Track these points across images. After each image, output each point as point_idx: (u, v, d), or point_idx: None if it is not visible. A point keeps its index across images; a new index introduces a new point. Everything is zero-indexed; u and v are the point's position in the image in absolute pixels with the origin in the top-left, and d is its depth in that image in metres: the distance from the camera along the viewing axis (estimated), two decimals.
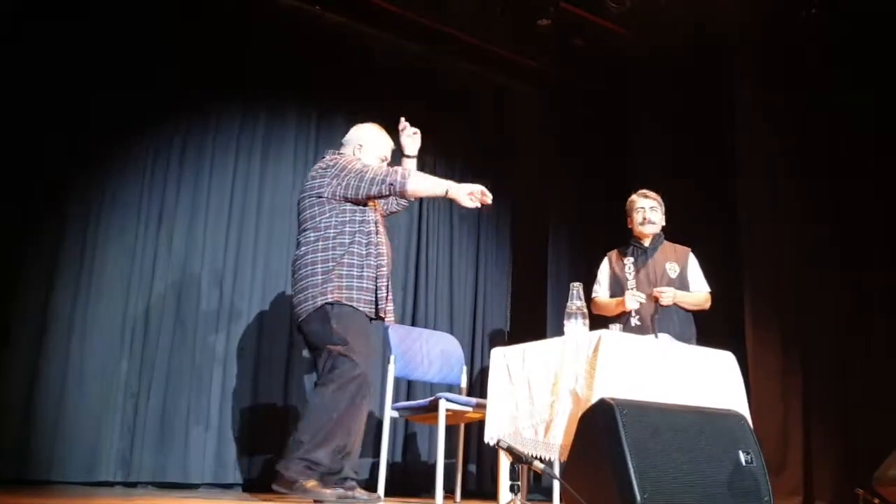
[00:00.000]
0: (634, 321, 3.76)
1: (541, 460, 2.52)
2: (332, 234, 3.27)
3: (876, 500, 3.11)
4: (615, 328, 2.90)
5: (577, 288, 3.07)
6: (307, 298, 3.24)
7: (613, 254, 4.07)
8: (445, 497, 3.52)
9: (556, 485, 3.43)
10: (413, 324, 5.18)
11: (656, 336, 3.62)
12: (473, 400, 3.62)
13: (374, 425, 4.87)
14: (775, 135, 4.63)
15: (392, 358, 3.85)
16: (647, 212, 3.94)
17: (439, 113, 5.69)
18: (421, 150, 5.53)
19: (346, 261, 3.25)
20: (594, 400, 2.58)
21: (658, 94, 5.37)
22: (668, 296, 3.73)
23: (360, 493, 3.21)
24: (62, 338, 4.05)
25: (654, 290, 3.76)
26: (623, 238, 4.67)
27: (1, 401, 3.84)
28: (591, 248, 5.66)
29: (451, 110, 5.76)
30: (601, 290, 4.01)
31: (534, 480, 4.81)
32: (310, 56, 5.12)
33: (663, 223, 4.00)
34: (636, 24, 5.17)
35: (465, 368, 4.16)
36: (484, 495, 5.02)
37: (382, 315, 3.34)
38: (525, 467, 2.55)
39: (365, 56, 5.40)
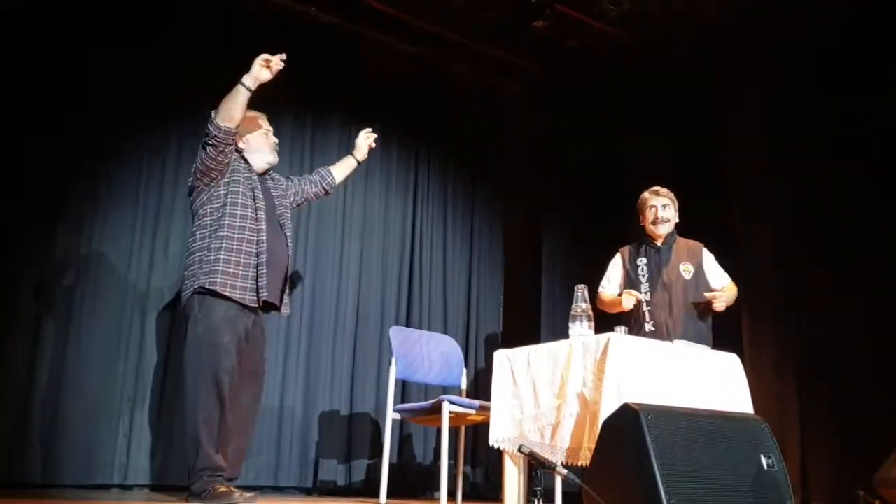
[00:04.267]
0: (648, 326, 3.70)
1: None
2: (208, 223, 3.22)
3: (876, 502, 3.14)
4: (621, 331, 2.91)
5: (581, 290, 3.06)
6: (187, 287, 3.20)
7: (626, 251, 3.97)
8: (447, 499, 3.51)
9: (559, 488, 3.44)
10: (408, 326, 5.18)
11: (672, 342, 3.60)
12: (477, 402, 3.61)
13: (373, 427, 4.89)
14: (770, 135, 4.67)
15: (393, 360, 3.84)
16: (660, 210, 3.86)
17: (433, 113, 5.70)
18: (414, 149, 5.60)
19: (214, 246, 3.17)
20: (603, 403, 2.59)
21: (652, 94, 5.39)
22: (721, 302, 3.66)
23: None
24: (59, 341, 4.01)
25: (707, 294, 3.69)
26: (618, 238, 4.69)
27: None
28: (584, 249, 5.71)
29: (445, 111, 5.77)
30: (610, 287, 3.93)
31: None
32: (305, 57, 5.08)
33: (677, 220, 3.92)
34: (632, 26, 5.19)
35: (464, 370, 4.16)
36: (481, 497, 5.03)
37: (257, 304, 3.22)
38: (535, 471, 2.54)
39: (359, 57, 5.38)
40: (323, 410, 4.79)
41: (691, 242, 3.93)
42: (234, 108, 3.17)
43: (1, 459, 3.75)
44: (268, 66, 3.18)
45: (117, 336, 4.17)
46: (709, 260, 3.89)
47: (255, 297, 3.20)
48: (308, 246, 4.97)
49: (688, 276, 3.79)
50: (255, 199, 3.30)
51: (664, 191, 3.94)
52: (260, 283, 3.20)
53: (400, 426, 4.97)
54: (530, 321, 5.70)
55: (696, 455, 1.85)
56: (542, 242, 5.93)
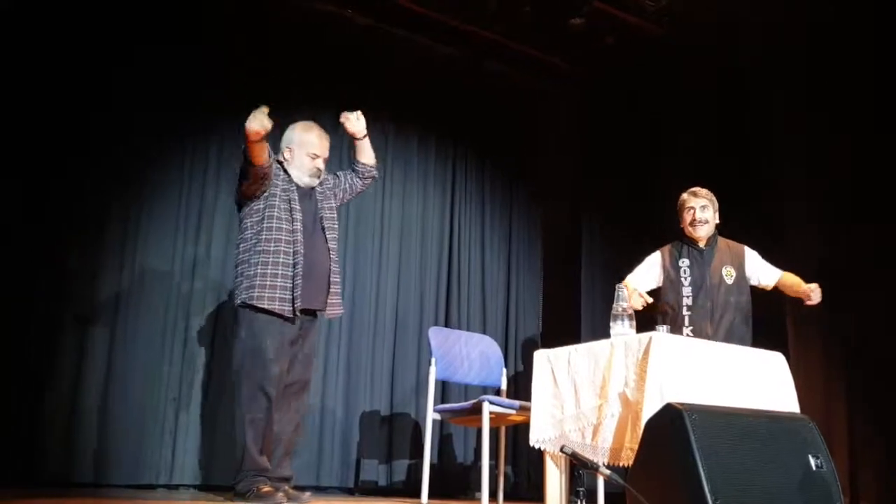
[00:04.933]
0: (686, 331, 3.64)
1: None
2: (248, 236, 3.32)
3: None
4: (663, 330, 2.87)
5: (622, 289, 3.04)
6: (235, 298, 3.34)
7: (667, 251, 3.89)
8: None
9: (601, 489, 3.41)
10: (447, 326, 5.18)
11: None
12: (517, 402, 3.60)
13: (413, 427, 4.91)
14: (811, 133, 4.57)
15: (433, 360, 3.85)
16: (698, 211, 3.79)
17: (470, 114, 5.70)
18: (451, 151, 5.60)
19: (253, 260, 3.27)
20: (645, 403, 2.57)
21: (692, 92, 5.32)
22: (816, 294, 3.59)
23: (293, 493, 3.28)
24: (106, 343, 4.10)
25: (803, 287, 3.61)
26: (657, 236, 4.61)
27: (47, 406, 3.89)
28: (623, 249, 5.64)
29: (482, 110, 5.77)
30: (635, 280, 3.79)
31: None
32: (341, 59, 5.14)
33: (717, 221, 3.85)
34: (671, 22, 5.13)
35: (504, 370, 4.15)
36: (521, 498, 5.01)
37: (293, 314, 3.26)
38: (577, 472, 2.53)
39: (395, 58, 5.40)
40: (364, 411, 4.83)
41: (733, 244, 3.85)
42: (253, 155, 3.21)
43: (53, 459, 3.85)
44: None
45: (162, 337, 4.24)
46: (752, 259, 3.81)
47: (291, 308, 3.27)
48: (347, 247, 5.00)
49: (730, 281, 3.71)
50: (291, 211, 3.37)
51: (703, 191, 3.86)
52: (295, 294, 3.27)
53: (440, 426, 4.98)
54: (570, 321, 5.67)
55: (741, 455, 1.82)
56: (580, 242, 5.88)
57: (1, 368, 3.76)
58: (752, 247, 3.93)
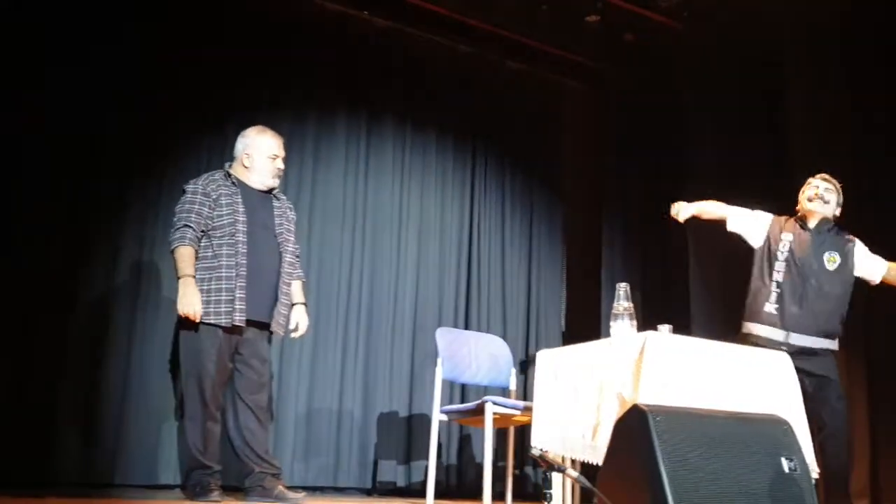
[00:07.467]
0: (770, 308, 3.54)
1: (587, 465, 2.48)
2: (203, 255, 3.43)
3: None
4: (665, 329, 2.83)
5: (624, 289, 3.01)
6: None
7: (780, 221, 3.71)
8: (495, 500, 3.50)
9: None
10: (466, 327, 5.17)
11: (787, 334, 3.48)
12: (521, 403, 3.58)
13: (426, 428, 4.90)
14: (832, 131, 4.44)
15: (439, 361, 3.84)
16: (821, 190, 3.61)
17: (489, 113, 5.68)
18: (471, 148, 5.56)
19: (201, 276, 3.40)
20: (640, 402, 2.53)
21: (712, 88, 5.22)
22: None
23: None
24: (122, 343, 4.15)
25: None
26: (680, 236, 4.53)
27: (64, 406, 3.94)
28: (645, 248, 5.58)
29: (500, 110, 5.74)
30: (736, 216, 3.75)
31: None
32: (359, 59, 5.15)
33: (836, 213, 3.66)
34: (686, 16, 5.05)
35: (513, 371, 4.12)
36: (538, 498, 4.97)
37: (234, 323, 3.35)
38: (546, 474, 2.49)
39: (413, 58, 5.41)
40: (382, 412, 4.84)
41: (846, 234, 3.66)
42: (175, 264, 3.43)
43: (70, 460, 3.90)
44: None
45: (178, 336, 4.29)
46: (860, 249, 3.61)
47: (230, 319, 3.36)
48: (365, 248, 5.02)
49: (831, 268, 3.55)
50: (235, 223, 3.43)
51: (833, 180, 3.69)
52: (236, 307, 3.36)
53: (459, 427, 4.96)
54: (593, 321, 5.60)
55: (710, 458, 1.77)
56: (602, 241, 5.81)
57: (17, 368, 3.82)
58: None
